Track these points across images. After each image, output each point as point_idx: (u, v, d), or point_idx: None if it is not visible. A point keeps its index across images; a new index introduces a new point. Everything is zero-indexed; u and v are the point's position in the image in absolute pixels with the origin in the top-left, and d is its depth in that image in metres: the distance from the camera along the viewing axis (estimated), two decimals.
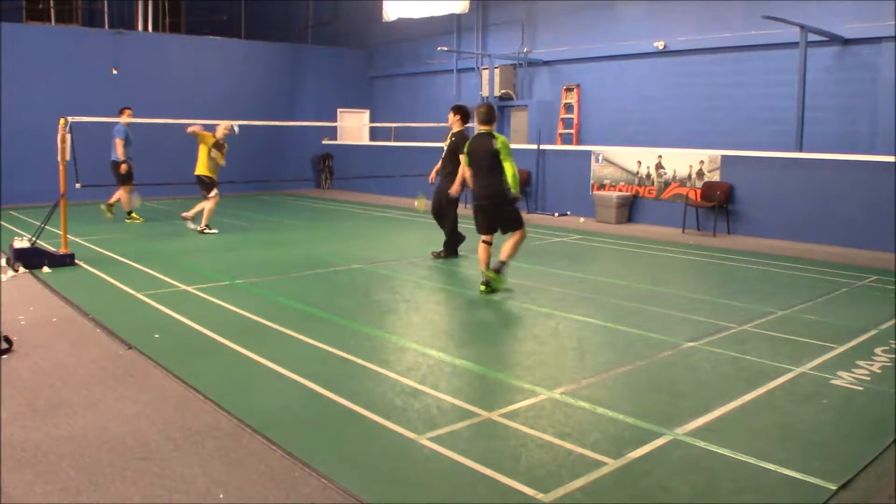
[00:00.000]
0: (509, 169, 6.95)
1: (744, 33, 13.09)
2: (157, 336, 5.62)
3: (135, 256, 8.97)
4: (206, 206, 11.12)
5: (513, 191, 6.96)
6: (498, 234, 7.26)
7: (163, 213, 13.49)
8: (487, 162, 7.01)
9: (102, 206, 12.62)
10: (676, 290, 7.64)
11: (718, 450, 3.67)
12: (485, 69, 17.47)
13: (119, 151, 12.04)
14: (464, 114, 9.06)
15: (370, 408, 4.17)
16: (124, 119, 11.86)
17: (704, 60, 13.82)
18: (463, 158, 7.39)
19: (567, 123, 16.04)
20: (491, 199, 7.08)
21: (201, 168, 11.07)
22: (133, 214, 12.54)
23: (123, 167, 12.07)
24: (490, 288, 7.05)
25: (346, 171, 19.18)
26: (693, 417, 4.09)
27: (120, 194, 12.39)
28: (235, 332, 5.72)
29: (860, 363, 5.10)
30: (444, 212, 9.12)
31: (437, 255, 9.23)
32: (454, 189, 8.11)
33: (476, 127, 7.25)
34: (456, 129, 8.98)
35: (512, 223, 7.14)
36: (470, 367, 4.98)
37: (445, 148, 9.04)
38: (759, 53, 13.02)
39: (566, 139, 15.94)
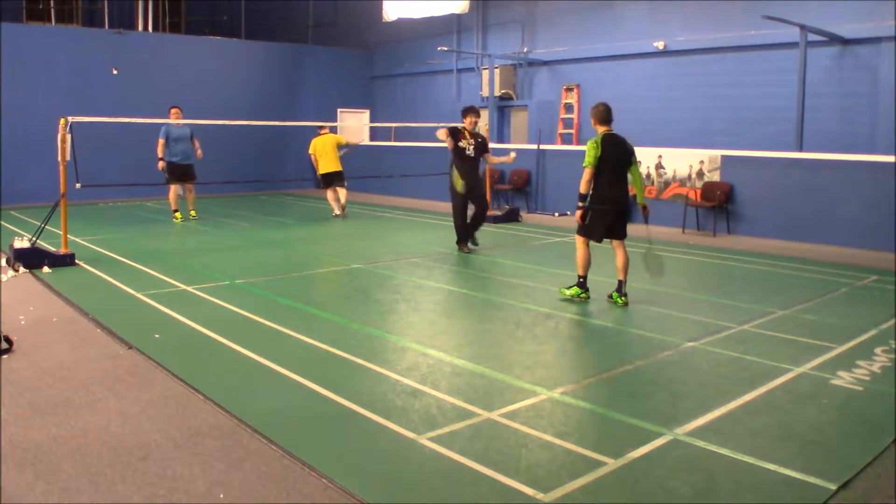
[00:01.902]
0: (638, 174, 6.94)
1: (744, 33, 13.09)
2: (157, 336, 5.63)
3: (135, 256, 8.97)
4: (345, 193, 13.46)
5: (640, 198, 6.95)
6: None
7: (165, 213, 13.47)
8: (621, 165, 6.75)
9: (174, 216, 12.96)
10: (676, 290, 7.64)
11: (718, 450, 3.68)
12: (485, 69, 17.47)
13: (158, 151, 12.27)
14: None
15: (370, 408, 4.18)
16: (171, 119, 12.08)
17: (704, 60, 13.82)
18: (590, 161, 6.57)
19: (567, 123, 16.05)
20: (622, 205, 6.87)
21: (338, 164, 13.21)
22: (177, 214, 12.66)
23: (160, 165, 12.28)
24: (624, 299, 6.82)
25: (346, 171, 19.15)
26: (693, 417, 4.09)
27: (170, 194, 12.70)
28: (235, 332, 5.73)
29: (860, 363, 5.11)
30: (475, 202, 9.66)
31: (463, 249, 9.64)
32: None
33: (600, 127, 6.78)
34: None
35: (623, 231, 6.94)
36: (470, 367, 4.98)
37: (473, 147, 9.57)
38: (759, 53, 13.02)
39: (566, 139, 15.94)
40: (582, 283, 6.90)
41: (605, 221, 6.78)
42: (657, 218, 12.76)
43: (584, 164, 6.65)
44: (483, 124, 14.46)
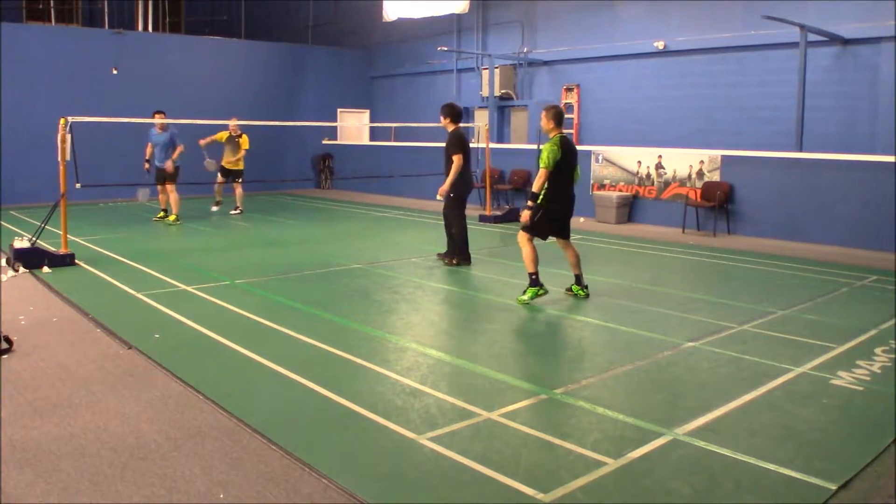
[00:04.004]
0: (578, 174, 6.94)
1: (744, 33, 13.09)
2: (157, 336, 5.63)
3: (135, 256, 8.97)
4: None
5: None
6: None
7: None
8: (571, 166, 6.76)
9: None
10: (676, 290, 7.64)
11: (718, 450, 3.67)
12: (485, 69, 17.47)
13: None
14: (455, 114, 8.61)
15: (370, 408, 4.18)
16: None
17: (704, 60, 13.83)
18: (549, 163, 6.50)
19: (567, 123, 16.04)
20: (572, 204, 6.89)
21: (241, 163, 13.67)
22: (160, 214, 12.81)
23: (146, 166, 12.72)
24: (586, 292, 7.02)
25: (346, 171, 19.19)
26: (693, 417, 4.09)
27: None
28: (235, 332, 5.73)
29: (860, 363, 5.10)
30: (448, 215, 8.70)
31: (442, 258, 8.86)
32: (443, 190, 8.44)
33: (553, 129, 6.68)
34: (450, 129, 8.59)
35: (569, 230, 7.02)
36: (470, 367, 4.98)
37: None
38: (759, 53, 13.02)
39: None
40: (536, 281, 6.76)
41: (564, 221, 6.88)
42: (657, 218, 12.81)
43: (541, 166, 6.57)
44: (483, 124, 14.51)
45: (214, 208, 13.95)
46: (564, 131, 6.83)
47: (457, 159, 8.41)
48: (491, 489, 3.27)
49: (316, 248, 10.28)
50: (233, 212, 13.87)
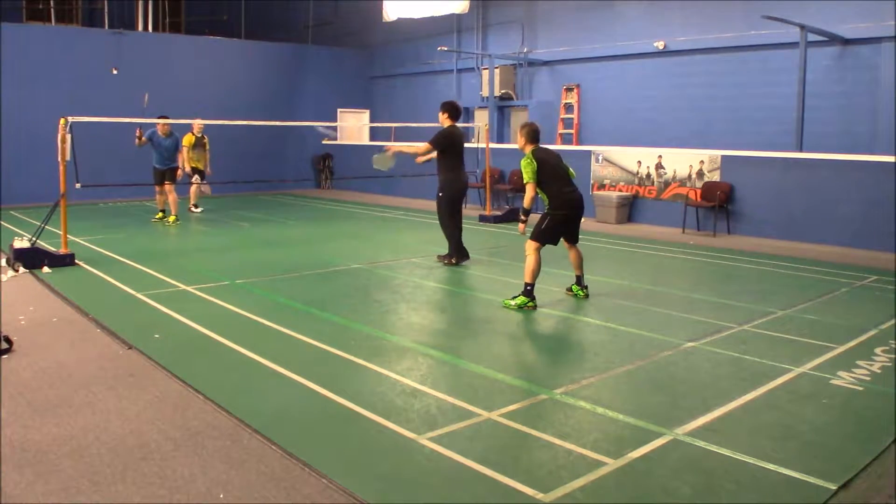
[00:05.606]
0: (572, 173, 6.95)
1: (744, 33, 13.10)
2: (157, 336, 5.63)
3: (135, 256, 8.97)
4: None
5: None
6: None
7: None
8: (560, 168, 6.75)
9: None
10: (676, 290, 7.64)
11: (718, 450, 3.67)
12: (485, 69, 17.47)
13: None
14: (450, 110, 8.61)
15: (370, 408, 4.18)
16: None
17: (704, 60, 13.83)
18: (530, 177, 6.58)
19: (567, 123, 16.04)
20: (578, 206, 6.84)
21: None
22: (159, 214, 12.85)
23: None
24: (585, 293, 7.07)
25: (346, 171, 19.19)
26: (693, 417, 4.09)
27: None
28: (235, 332, 5.73)
29: (860, 363, 5.11)
30: (439, 215, 8.73)
31: (441, 259, 8.85)
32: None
33: (527, 145, 6.73)
34: (445, 126, 8.64)
35: (577, 234, 6.99)
36: (470, 367, 4.98)
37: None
38: (759, 53, 13.02)
39: (566, 139, 15.94)
40: (529, 292, 6.63)
41: (568, 223, 6.84)
42: (657, 218, 12.81)
43: (525, 181, 6.65)
44: (483, 124, 14.51)
45: (199, 209, 13.87)
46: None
47: (424, 145, 8.65)
48: (491, 489, 3.27)
49: (316, 248, 10.28)
50: (196, 209, 13.84)
